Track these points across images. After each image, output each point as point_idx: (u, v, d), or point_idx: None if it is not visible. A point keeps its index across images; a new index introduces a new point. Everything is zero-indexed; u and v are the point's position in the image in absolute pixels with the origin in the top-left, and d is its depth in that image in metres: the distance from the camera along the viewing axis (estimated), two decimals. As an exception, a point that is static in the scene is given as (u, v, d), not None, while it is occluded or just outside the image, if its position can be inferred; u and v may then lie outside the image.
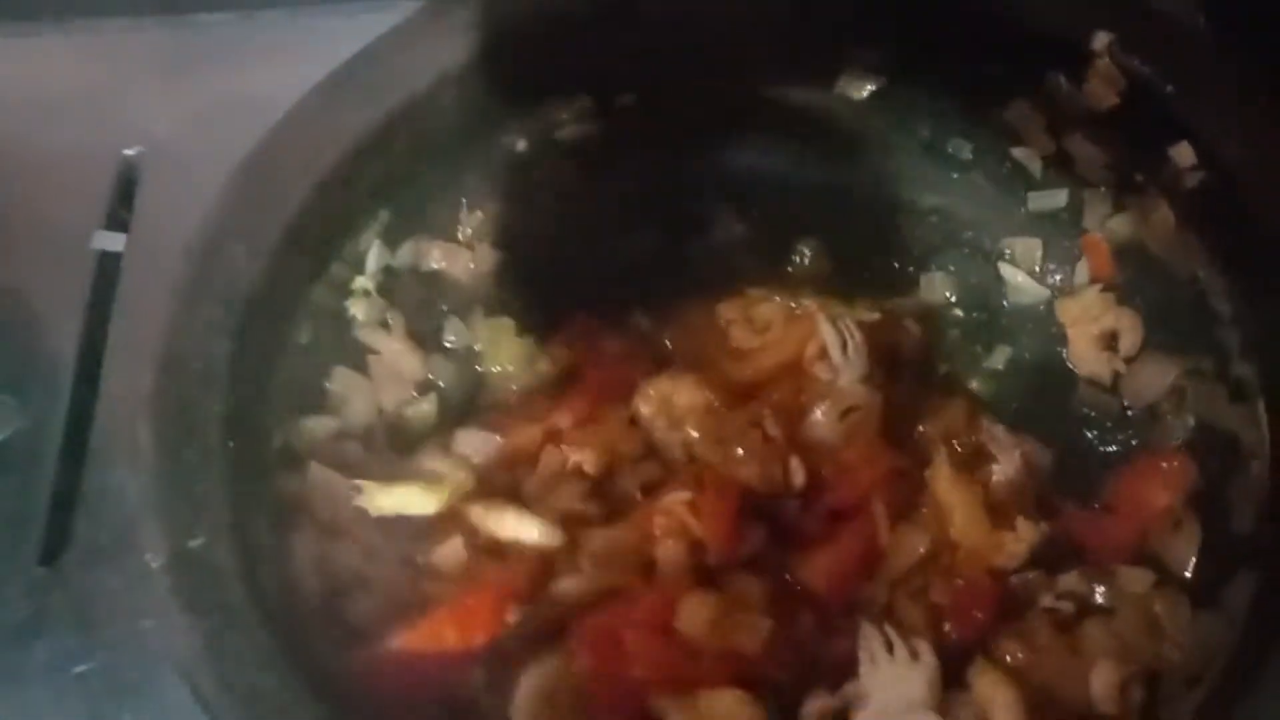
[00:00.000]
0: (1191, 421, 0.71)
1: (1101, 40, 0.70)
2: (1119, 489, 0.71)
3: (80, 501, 0.76)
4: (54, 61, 0.95)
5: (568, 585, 0.66)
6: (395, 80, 0.74)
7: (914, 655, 0.65)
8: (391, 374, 0.75)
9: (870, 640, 0.65)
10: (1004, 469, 0.71)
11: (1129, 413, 0.75)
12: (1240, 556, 0.66)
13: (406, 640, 0.65)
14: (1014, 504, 0.70)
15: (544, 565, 0.67)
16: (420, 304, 0.78)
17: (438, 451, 0.72)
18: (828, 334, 0.72)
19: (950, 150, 0.82)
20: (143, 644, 0.71)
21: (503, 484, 0.71)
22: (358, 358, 0.75)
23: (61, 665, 0.71)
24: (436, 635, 0.65)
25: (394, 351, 0.76)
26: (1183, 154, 0.68)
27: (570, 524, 0.68)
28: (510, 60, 0.76)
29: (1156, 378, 0.73)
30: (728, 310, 0.77)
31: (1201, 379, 0.71)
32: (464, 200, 0.80)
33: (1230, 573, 0.65)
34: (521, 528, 0.68)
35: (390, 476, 0.69)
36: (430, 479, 0.70)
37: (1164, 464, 0.70)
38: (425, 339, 0.77)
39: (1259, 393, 0.67)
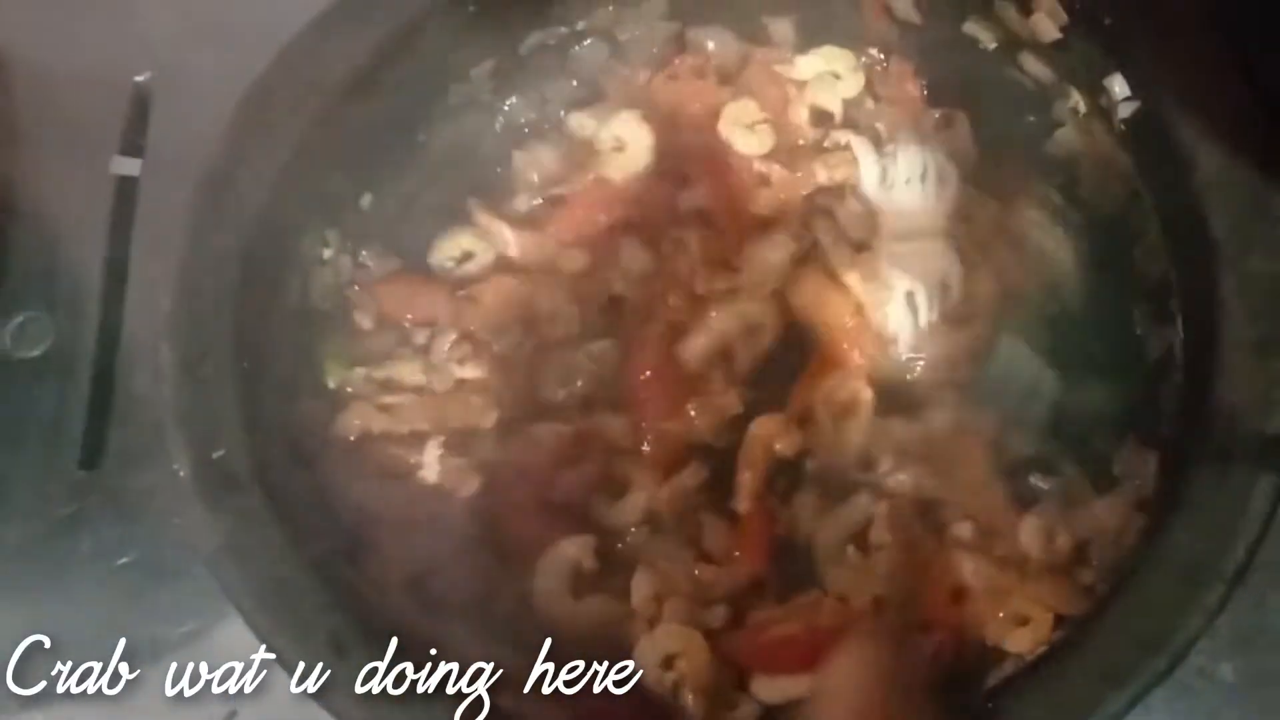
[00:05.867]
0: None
1: (1046, -25, 0.74)
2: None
3: (113, 410, 0.82)
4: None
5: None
6: (389, 12, 0.78)
7: None
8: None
9: None
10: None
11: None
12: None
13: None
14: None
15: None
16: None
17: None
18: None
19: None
20: (176, 537, 0.78)
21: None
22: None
23: (104, 557, 0.78)
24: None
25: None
26: (1117, 85, 0.73)
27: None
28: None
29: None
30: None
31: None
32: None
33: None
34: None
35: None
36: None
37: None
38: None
39: (1177, 309, 0.72)
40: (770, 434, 0.77)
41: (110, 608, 0.78)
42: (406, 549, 0.72)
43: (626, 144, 0.84)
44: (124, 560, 0.79)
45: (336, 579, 0.66)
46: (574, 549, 0.74)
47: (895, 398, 0.79)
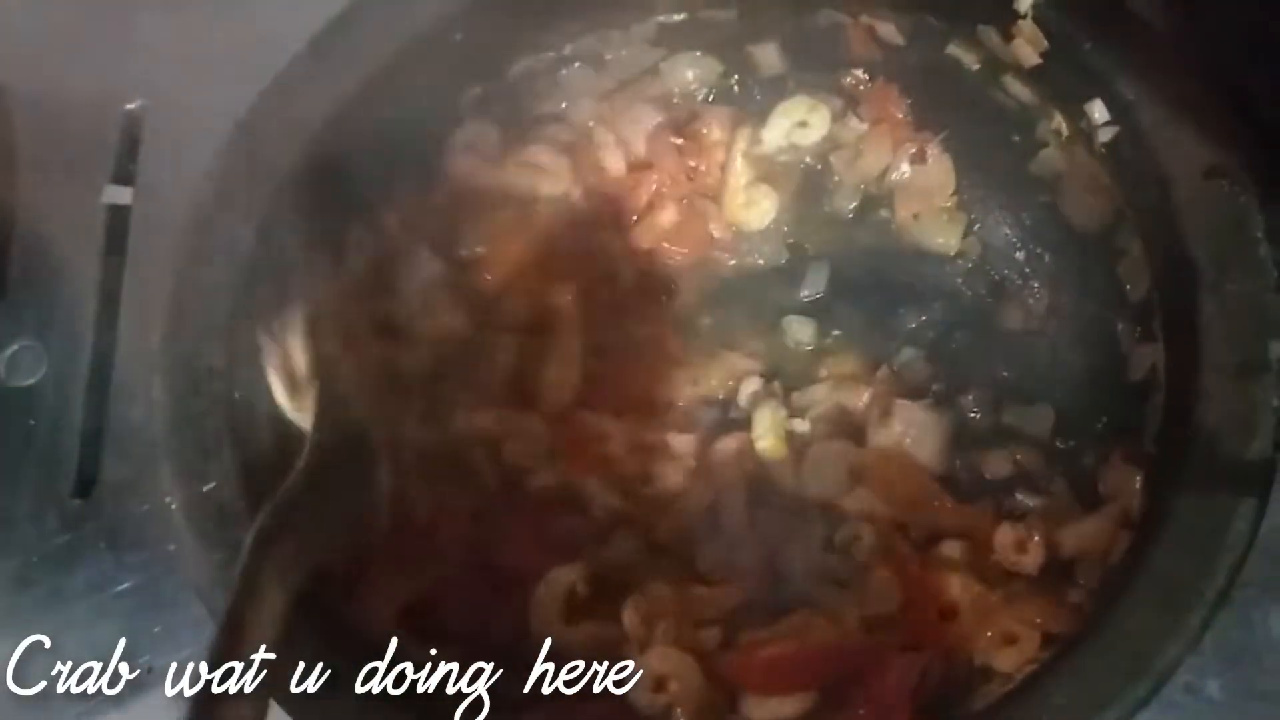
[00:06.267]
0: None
1: (1025, 1, 0.74)
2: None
3: (107, 439, 0.82)
4: (56, 10, 0.97)
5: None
6: (378, 43, 0.79)
7: None
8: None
9: None
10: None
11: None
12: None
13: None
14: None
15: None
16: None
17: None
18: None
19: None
20: (170, 566, 0.78)
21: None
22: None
23: (99, 586, 0.79)
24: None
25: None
26: (1097, 110, 0.73)
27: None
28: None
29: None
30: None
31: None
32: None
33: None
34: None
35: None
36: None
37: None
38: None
39: (1160, 329, 0.73)
40: (737, 452, 0.79)
41: (107, 635, 0.78)
42: (400, 579, 0.73)
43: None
44: (120, 588, 0.79)
45: (329, 611, 0.66)
46: (568, 575, 0.74)
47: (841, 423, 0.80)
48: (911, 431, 0.78)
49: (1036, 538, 0.74)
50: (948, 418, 0.80)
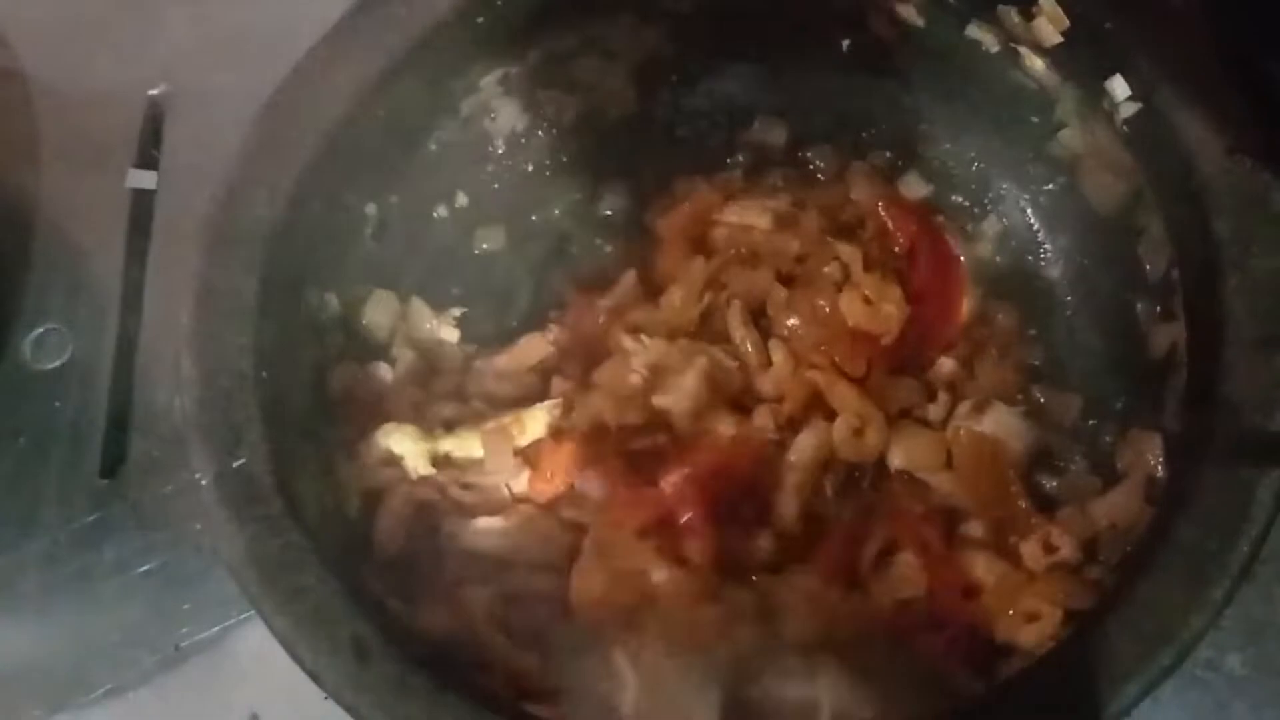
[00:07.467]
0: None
1: (1047, -19, 0.75)
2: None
3: (133, 420, 0.84)
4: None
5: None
6: (401, 26, 0.79)
7: None
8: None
9: None
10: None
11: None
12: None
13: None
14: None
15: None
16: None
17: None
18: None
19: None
20: (198, 544, 0.80)
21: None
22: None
23: (126, 565, 0.80)
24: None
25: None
26: (1118, 87, 0.73)
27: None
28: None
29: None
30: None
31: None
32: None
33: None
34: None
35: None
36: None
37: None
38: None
39: (1180, 306, 0.73)
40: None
41: (133, 614, 0.79)
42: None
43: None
44: (146, 567, 0.80)
45: (359, 585, 0.67)
46: None
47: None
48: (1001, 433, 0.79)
49: (1064, 540, 0.74)
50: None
